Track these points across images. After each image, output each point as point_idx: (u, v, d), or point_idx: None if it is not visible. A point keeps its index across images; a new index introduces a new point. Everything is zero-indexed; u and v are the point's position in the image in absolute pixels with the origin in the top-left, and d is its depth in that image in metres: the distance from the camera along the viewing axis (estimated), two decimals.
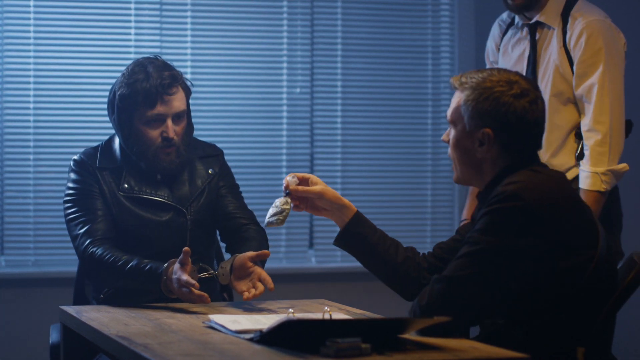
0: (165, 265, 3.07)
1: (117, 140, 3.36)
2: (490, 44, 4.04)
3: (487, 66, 4.02)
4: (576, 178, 3.74)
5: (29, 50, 4.78)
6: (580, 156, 3.73)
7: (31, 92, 4.79)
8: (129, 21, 4.90)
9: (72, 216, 3.29)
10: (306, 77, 5.09)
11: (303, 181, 2.92)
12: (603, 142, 3.66)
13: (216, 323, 2.65)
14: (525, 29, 3.86)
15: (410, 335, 2.47)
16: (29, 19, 4.79)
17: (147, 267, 3.10)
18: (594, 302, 2.57)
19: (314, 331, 2.32)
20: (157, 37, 4.91)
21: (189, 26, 4.96)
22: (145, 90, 3.24)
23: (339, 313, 2.87)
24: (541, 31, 3.81)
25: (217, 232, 3.49)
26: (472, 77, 2.64)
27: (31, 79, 4.79)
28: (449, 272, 2.53)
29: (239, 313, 2.93)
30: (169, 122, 3.27)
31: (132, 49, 4.87)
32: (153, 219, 3.30)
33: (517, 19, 3.89)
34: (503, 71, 2.64)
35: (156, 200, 3.31)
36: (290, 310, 2.83)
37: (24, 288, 4.79)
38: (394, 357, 2.25)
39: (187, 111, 3.35)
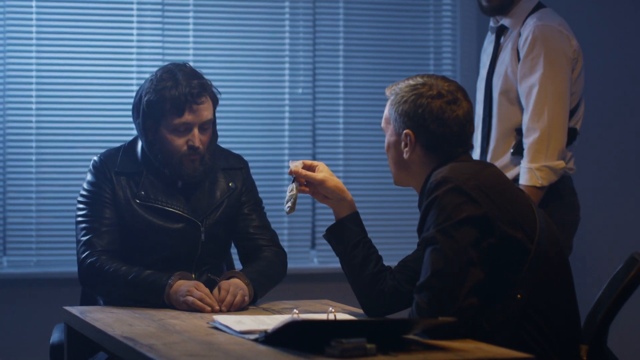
0: (172, 277, 3.07)
1: (139, 143, 3.30)
2: None
3: None
4: (516, 178, 3.81)
5: (31, 51, 4.78)
6: (516, 151, 3.81)
7: (33, 93, 4.79)
8: (131, 22, 4.90)
9: (80, 219, 3.26)
10: (308, 77, 5.09)
11: (310, 169, 2.92)
12: (540, 140, 3.75)
13: (220, 323, 2.66)
14: (494, 32, 4.00)
15: (415, 336, 2.47)
16: (31, 19, 4.79)
17: (150, 278, 3.09)
18: (555, 282, 2.58)
19: (318, 332, 2.32)
20: (160, 38, 4.91)
21: (191, 27, 4.96)
22: (173, 98, 3.16)
23: (343, 313, 2.87)
24: (506, 34, 3.93)
25: (236, 249, 3.42)
26: (399, 84, 2.74)
27: (33, 80, 4.79)
28: (423, 278, 2.52)
29: (243, 314, 2.94)
30: (196, 131, 3.19)
31: (134, 49, 4.88)
32: (165, 226, 3.24)
33: (491, 22, 3.99)
34: (428, 76, 2.73)
35: (170, 211, 3.26)
36: (295, 310, 2.84)
37: (26, 288, 4.79)
38: (398, 357, 2.25)
39: (213, 119, 3.28)
